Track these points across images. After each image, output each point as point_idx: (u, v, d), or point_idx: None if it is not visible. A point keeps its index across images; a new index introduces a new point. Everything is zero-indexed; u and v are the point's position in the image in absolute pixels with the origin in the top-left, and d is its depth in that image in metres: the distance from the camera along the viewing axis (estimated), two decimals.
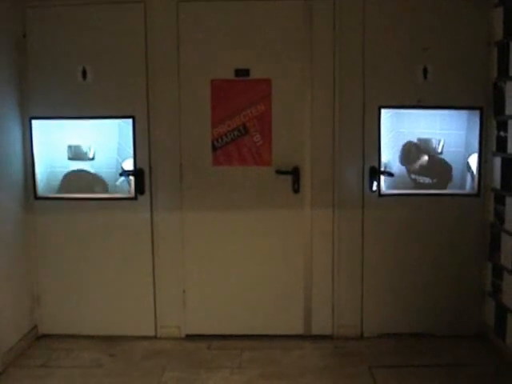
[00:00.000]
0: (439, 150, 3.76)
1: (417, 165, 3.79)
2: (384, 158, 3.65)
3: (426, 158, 3.77)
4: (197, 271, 3.69)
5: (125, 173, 3.69)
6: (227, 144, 3.59)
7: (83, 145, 3.82)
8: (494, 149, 3.53)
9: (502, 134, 3.42)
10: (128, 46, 3.55)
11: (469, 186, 3.72)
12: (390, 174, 3.63)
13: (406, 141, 3.78)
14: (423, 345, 3.57)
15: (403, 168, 3.82)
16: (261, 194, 3.62)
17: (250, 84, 3.55)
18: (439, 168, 3.79)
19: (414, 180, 3.81)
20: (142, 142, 3.59)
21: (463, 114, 3.71)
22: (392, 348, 3.55)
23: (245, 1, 3.51)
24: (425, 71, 3.52)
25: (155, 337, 3.73)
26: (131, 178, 3.65)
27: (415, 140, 3.77)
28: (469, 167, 3.70)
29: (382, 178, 3.61)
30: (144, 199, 3.63)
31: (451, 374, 3.22)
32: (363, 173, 3.59)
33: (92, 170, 3.85)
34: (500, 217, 3.46)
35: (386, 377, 3.19)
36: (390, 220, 3.63)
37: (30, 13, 3.55)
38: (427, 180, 3.79)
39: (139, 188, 3.61)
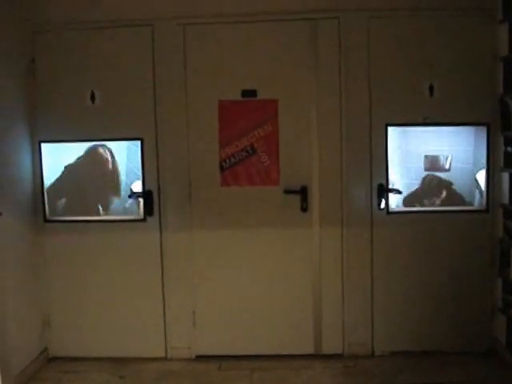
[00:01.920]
0: (447, 167, 3.76)
1: (436, 199, 3.75)
2: (392, 176, 3.65)
3: (444, 193, 3.74)
4: (206, 292, 3.69)
5: (134, 194, 3.70)
6: (235, 164, 3.60)
7: None
8: (501, 164, 3.53)
9: (509, 149, 3.42)
10: (136, 68, 3.58)
11: (477, 202, 3.72)
12: (398, 192, 3.62)
13: (426, 173, 3.77)
14: (434, 362, 3.55)
15: (411, 185, 3.81)
16: (269, 214, 3.63)
17: (257, 105, 3.56)
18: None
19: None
20: (150, 163, 3.61)
21: (470, 130, 3.70)
22: (403, 366, 3.52)
23: (251, 22, 3.53)
24: (431, 88, 3.52)
25: (165, 358, 3.71)
26: (140, 199, 3.67)
27: (423, 155, 3.77)
28: (477, 183, 3.69)
29: (391, 195, 3.61)
30: (153, 220, 3.64)
31: None
32: (371, 191, 3.59)
33: None
34: (509, 232, 3.45)
35: None
36: (398, 237, 3.61)
37: (38, 38, 3.58)
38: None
39: (148, 209, 3.62)
